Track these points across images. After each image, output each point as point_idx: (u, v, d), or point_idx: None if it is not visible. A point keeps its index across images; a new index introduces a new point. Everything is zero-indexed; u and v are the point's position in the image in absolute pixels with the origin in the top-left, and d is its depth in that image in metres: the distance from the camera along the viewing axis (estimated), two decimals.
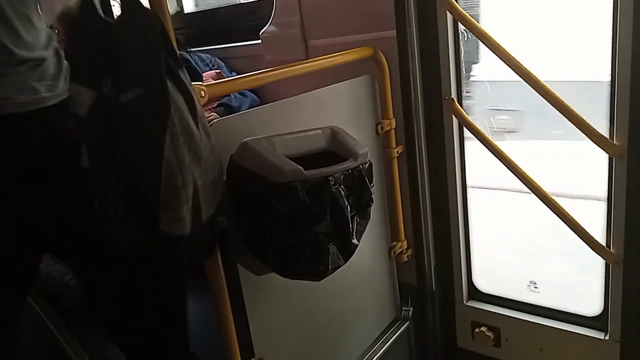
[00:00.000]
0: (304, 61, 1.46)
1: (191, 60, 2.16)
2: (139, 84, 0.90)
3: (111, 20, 0.94)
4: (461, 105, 1.65)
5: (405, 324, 1.84)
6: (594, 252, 1.49)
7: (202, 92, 1.05)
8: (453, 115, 1.65)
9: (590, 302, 1.59)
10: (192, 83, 1.03)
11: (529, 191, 1.54)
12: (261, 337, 1.29)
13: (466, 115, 1.63)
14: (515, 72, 1.46)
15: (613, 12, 1.31)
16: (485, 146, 1.58)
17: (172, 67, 0.92)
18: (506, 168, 1.55)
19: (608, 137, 1.39)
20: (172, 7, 2.81)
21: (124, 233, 0.99)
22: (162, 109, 0.89)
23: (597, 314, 1.58)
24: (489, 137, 1.58)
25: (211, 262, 1.12)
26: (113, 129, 0.92)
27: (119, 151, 0.93)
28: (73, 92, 0.93)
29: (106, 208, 0.97)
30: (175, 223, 0.94)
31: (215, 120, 1.20)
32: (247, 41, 2.22)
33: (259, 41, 2.08)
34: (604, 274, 1.53)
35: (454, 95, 1.64)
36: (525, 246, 1.69)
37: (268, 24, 2.02)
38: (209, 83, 1.12)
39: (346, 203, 1.08)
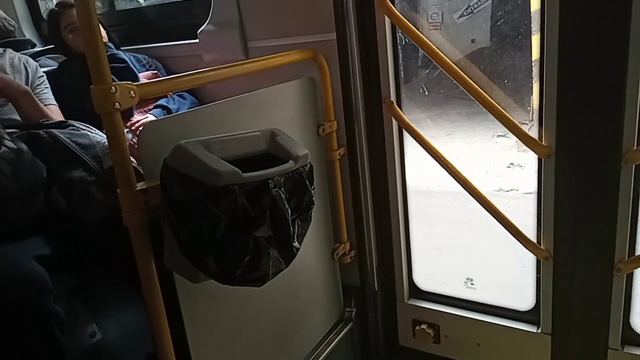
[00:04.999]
0: (243, 62, 1.43)
1: (128, 60, 2.07)
2: None
3: None
4: (400, 108, 1.67)
5: (349, 325, 1.84)
6: (526, 249, 1.55)
7: (132, 92, 1.00)
8: (393, 117, 1.67)
9: (524, 297, 1.66)
10: (123, 82, 1.00)
11: (465, 192, 1.59)
12: (200, 347, 1.24)
13: (405, 117, 1.65)
14: (451, 77, 1.50)
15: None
16: (423, 147, 1.62)
17: None
18: (442, 168, 1.60)
19: (537, 139, 1.45)
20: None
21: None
22: None
23: (530, 309, 1.65)
24: (426, 138, 1.61)
25: (145, 270, 1.07)
26: None
27: None
28: None
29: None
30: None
31: (147, 121, 1.15)
32: (184, 40, 2.15)
33: (197, 40, 2.02)
34: (535, 270, 1.60)
35: (393, 97, 1.66)
36: (462, 244, 1.75)
37: (206, 22, 1.97)
38: (139, 83, 1.07)
39: (287, 206, 1.06)
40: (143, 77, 2.09)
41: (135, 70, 2.05)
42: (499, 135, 1.49)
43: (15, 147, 1.37)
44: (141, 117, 1.93)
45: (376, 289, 1.84)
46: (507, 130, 1.45)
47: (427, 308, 1.82)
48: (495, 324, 1.69)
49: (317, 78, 1.62)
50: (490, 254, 1.67)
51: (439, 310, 1.80)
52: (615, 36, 1.27)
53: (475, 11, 1.42)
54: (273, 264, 1.06)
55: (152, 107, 2.02)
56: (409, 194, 1.77)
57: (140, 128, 1.81)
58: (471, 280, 1.74)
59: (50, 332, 1.30)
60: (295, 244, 1.10)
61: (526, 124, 1.47)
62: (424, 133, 1.63)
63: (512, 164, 1.51)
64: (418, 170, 1.67)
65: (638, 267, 1.42)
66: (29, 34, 2.77)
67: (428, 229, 1.75)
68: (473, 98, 1.49)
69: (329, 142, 1.69)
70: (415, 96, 1.66)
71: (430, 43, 1.50)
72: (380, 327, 1.89)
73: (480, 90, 1.47)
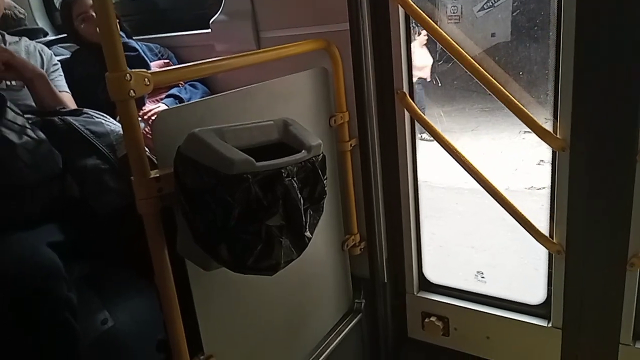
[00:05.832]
0: (255, 51, 1.43)
1: (139, 49, 2.07)
2: None
3: None
4: (412, 99, 1.66)
5: (358, 316, 1.85)
6: (538, 242, 1.54)
7: (146, 79, 1.00)
8: (405, 109, 1.66)
9: (535, 291, 1.65)
10: (136, 70, 1.00)
11: (477, 185, 1.58)
12: (211, 334, 1.25)
13: (417, 109, 1.64)
14: (465, 68, 1.49)
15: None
16: (435, 139, 1.61)
17: None
18: (455, 160, 1.59)
19: (552, 131, 1.44)
20: None
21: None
22: None
23: (541, 302, 1.64)
24: (439, 130, 1.60)
25: (158, 258, 1.08)
26: None
27: None
28: None
29: None
30: None
31: (160, 110, 1.15)
32: (195, 30, 2.15)
33: (209, 30, 2.02)
34: (547, 264, 1.59)
35: (405, 89, 1.65)
36: (472, 237, 1.74)
37: (218, 12, 1.97)
38: (153, 71, 1.07)
39: (299, 196, 1.06)
40: (155, 66, 2.09)
41: (146, 58, 2.05)
42: (525, 132, 1.47)
43: (36, 137, 1.37)
44: (153, 107, 1.94)
45: (386, 280, 1.84)
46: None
47: (437, 300, 1.82)
48: (505, 317, 1.69)
49: (329, 68, 1.61)
50: (501, 247, 1.67)
51: (448, 303, 1.79)
52: (632, 29, 1.25)
53: (495, 4, 1.40)
54: (285, 253, 1.06)
55: (164, 96, 2.03)
56: (439, 191, 1.76)
57: (153, 117, 1.82)
58: (482, 273, 1.73)
59: (63, 319, 1.31)
60: (307, 233, 1.11)
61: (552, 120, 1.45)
62: (442, 128, 1.62)
63: (542, 160, 1.48)
64: (448, 168, 1.66)
65: None
66: (42, 23, 2.78)
67: (458, 227, 1.74)
68: (488, 90, 1.47)
69: (341, 133, 1.68)
70: (429, 89, 1.64)
71: (445, 34, 1.49)
72: (389, 319, 1.89)
73: (495, 82, 1.46)
